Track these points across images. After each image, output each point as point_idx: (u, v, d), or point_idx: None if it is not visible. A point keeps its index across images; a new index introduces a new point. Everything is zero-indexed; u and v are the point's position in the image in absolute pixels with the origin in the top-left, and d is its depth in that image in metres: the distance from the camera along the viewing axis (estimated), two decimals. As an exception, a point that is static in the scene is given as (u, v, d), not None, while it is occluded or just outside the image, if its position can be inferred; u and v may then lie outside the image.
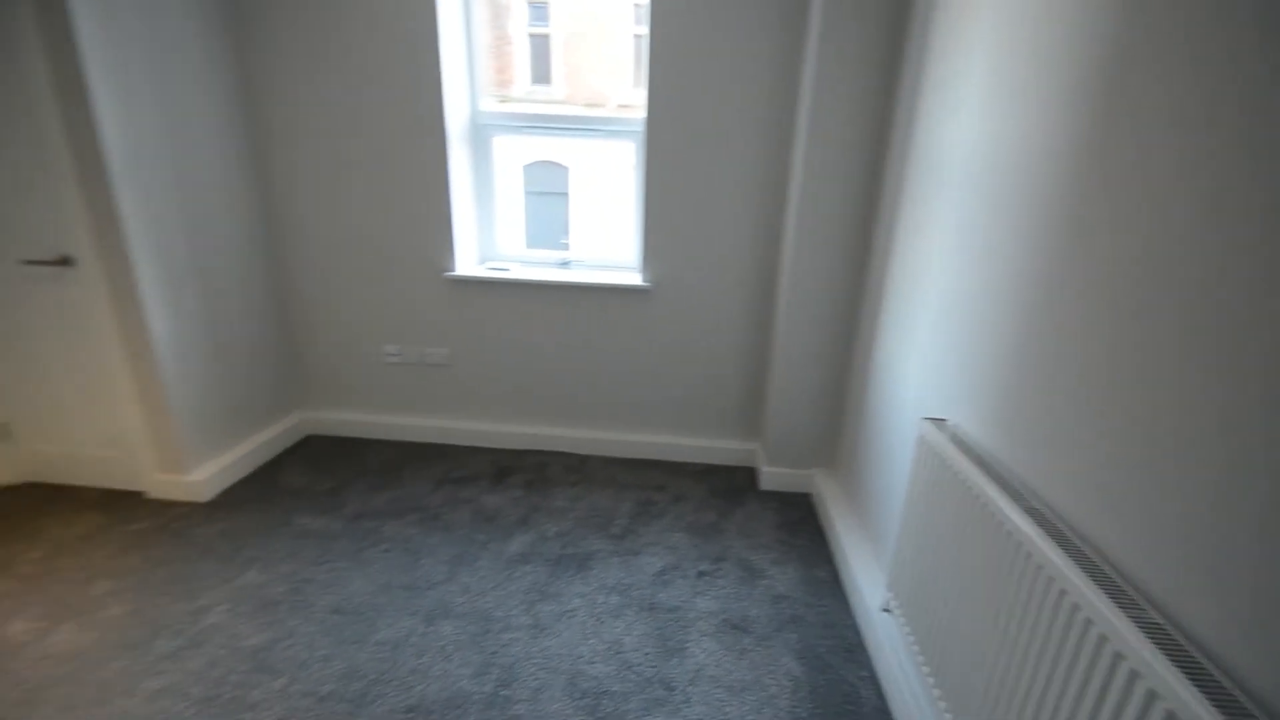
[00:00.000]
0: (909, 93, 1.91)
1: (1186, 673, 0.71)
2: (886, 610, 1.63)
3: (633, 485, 2.65)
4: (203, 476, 2.39)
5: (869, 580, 1.91)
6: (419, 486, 2.56)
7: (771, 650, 1.78)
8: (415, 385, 2.90)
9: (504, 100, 2.68)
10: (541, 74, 7.82)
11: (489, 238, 2.84)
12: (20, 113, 1.96)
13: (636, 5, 2.52)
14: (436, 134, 2.48)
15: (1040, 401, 1.15)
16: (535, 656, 1.72)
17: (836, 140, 2.15)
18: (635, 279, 2.66)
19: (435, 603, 1.91)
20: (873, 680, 1.69)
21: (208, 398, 2.43)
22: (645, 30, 2.33)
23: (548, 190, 7.78)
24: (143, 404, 2.27)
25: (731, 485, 2.68)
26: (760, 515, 2.46)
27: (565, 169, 7.92)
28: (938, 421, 1.47)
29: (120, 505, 2.34)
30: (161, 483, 2.38)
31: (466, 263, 2.74)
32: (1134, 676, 0.76)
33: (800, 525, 2.41)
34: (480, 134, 2.68)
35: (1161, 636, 0.78)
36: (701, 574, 2.10)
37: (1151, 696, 0.73)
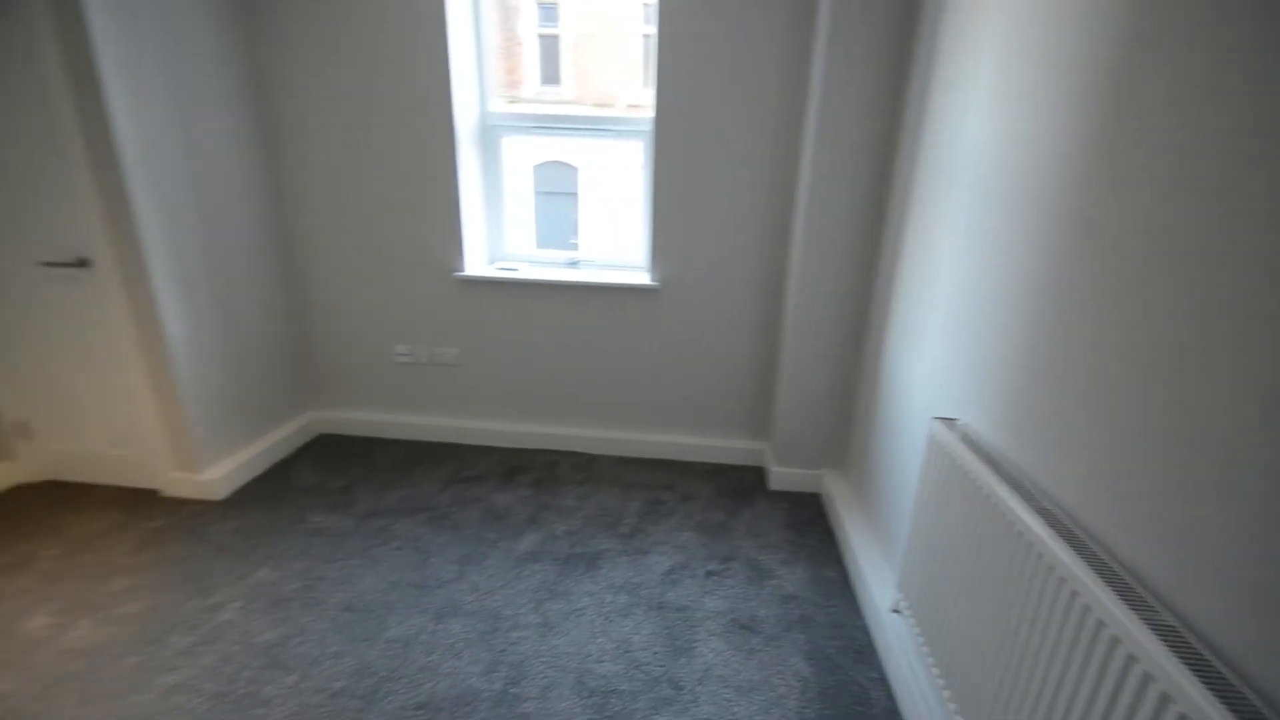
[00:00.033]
0: (918, 94, 1.90)
1: (1201, 676, 0.70)
2: (896, 611, 1.62)
3: (641, 484, 2.65)
4: (217, 475, 2.42)
5: (879, 581, 1.90)
6: (429, 485, 2.58)
7: (780, 650, 1.77)
8: (425, 385, 2.92)
9: (514, 101, 2.69)
10: (551, 75, 7.84)
11: (498, 238, 2.85)
12: (37, 114, 1.99)
13: (645, 5, 2.52)
14: (446, 135, 2.49)
15: (1050, 402, 1.14)
16: (544, 655, 1.73)
17: (845, 142, 2.14)
18: (644, 279, 2.66)
19: (445, 601, 1.92)
20: (882, 681, 1.68)
21: (222, 397, 2.46)
22: (654, 30, 2.33)
23: (557, 190, 7.80)
24: (158, 404, 2.30)
25: (740, 485, 2.67)
26: (769, 515, 2.45)
27: (574, 169, 7.94)
28: (948, 421, 1.46)
29: (137, 503, 2.37)
30: (177, 481, 2.41)
31: (476, 263, 2.75)
32: (1147, 679, 0.76)
33: (809, 525, 2.40)
34: (489, 135, 2.69)
35: (1175, 639, 0.77)
36: (710, 573, 2.09)
37: (1164, 700, 0.72)
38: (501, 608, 1.90)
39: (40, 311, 2.25)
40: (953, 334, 1.56)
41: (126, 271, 2.13)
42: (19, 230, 2.14)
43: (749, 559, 2.18)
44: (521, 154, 2.96)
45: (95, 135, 1.97)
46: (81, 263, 2.14)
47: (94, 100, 1.93)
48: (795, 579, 2.08)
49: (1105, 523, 0.97)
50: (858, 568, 2.02)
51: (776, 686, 1.65)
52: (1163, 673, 0.73)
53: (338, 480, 2.60)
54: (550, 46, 7.79)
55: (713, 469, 2.80)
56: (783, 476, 2.63)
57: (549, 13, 7.75)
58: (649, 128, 2.53)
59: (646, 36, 2.37)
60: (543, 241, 3.06)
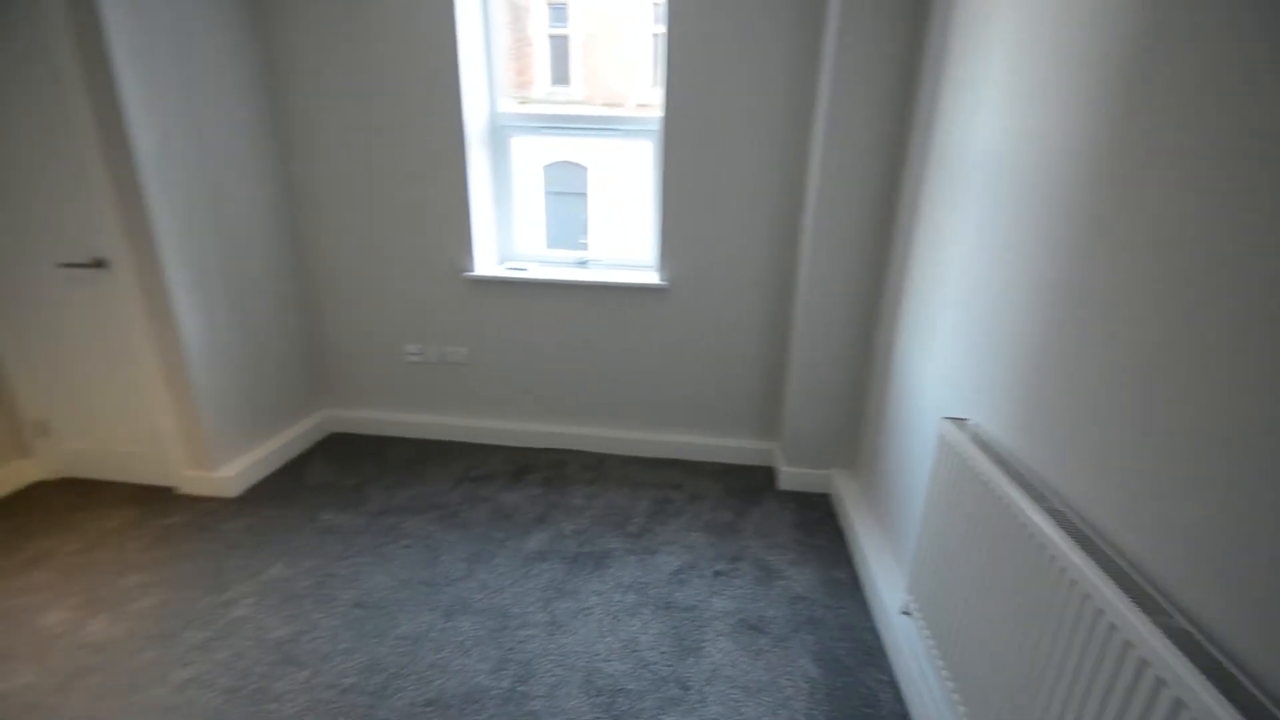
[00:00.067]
0: (929, 94, 1.88)
1: (1215, 681, 0.69)
2: (906, 613, 1.60)
3: (650, 484, 2.65)
4: (231, 473, 2.45)
5: (888, 582, 1.88)
6: (439, 484, 2.60)
7: (788, 651, 1.77)
8: (435, 384, 2.94)
9: (524, 102, 2.70)
10: (561, 75, 7.86)
11: (508, 238, 2.86)
12: (53, 111, 2.02)
13: (655, 4, 2.52)
14: (456, 136, 2.51)
15: (1061, 402, 1.12)
16: (552, 653, 1.73)
17: (854, 143, 2.13)
18: (653, 278, 2.66)
19: (454, 599, 1.93)
20: (891, 684, 1.67)
21: (236, 396, 2.49)
22: (663, 29, 2.33)
23: (567, 190, 7.82)
24: (174, 402, 2.34)
25: (749, 485, 2.66)
26: (778, 515, 2.44)
27: (584, 169, 7.95)
28: (958, 421, 1.45)
29: (153, 500, 2.41)
30: (191, 479, 2.44)
31: (486, 263, 2.76)
32: (1160, 684, 0.74)
33: (819, 525, 2.38)
34: (499, 135, 2.71)
35: (1189, 644, 0.76)
36: (718, 573, 2.09)
37: (1178, 705, 0.71)
38: (510, 606, 1.91)
39: (59, 313, 2.29)
40: (963, 333, 1.54)
41: (142, 272, 2.16)
42: (38, 233, 2.18)
43: (757, 559, 2.17)
44: (531, 154, 2.98)
45: (110, 128, 1.99)
46: (98, 264, 2.18)
47: (108, 92, 1.95)
48: (804, 580, 2.07)
49: (1115, 522, 0.96)
50: (867, 569, 2.01)
51: (784, 688, 1.65)
52: (1176, 678, 0.72)
53: (349, 478, 2.62)
54: (560, 47, 7.81)
55: (721, 469, 2.79)
56: (792, 476, 2.62)
57: (559, 13, 7.77)
58: (658, 127, 2.53)
59: (656, 36, 2.36)
60: (553, 241, 3.07)
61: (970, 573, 1.26)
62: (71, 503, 2.38)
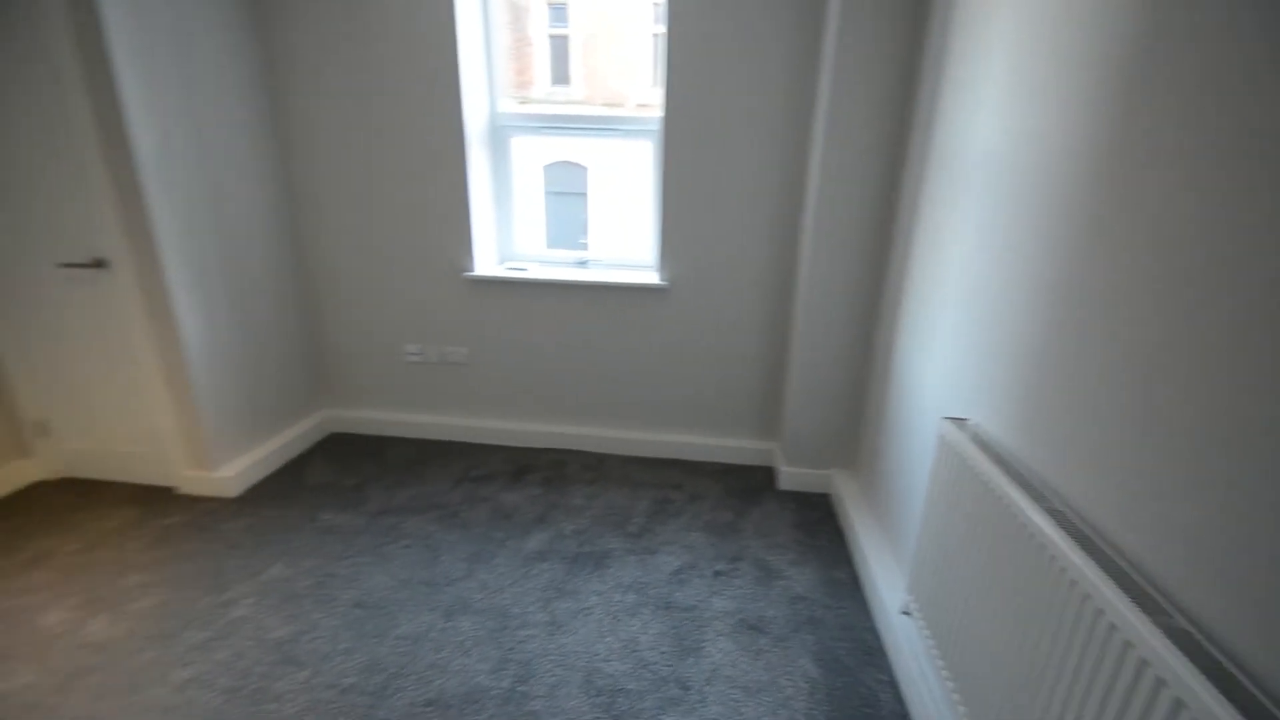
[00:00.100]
0: (929, 94, 1.88)
1: (1215, 682, 0.69)
2: (906, 613, 1.60)
3: (649, 484, 2.65)
4: (231, 473, 2.45)
5: (888, 582, 1.88)
6: (439, 484, 2.60)
7: (788, 651, 1.77)
8: (435, 384, 2.94)
9: (524, 102, 2.70)
10: (561, 75, 7.86)
11: (508, 238, 2.86)
12: (53, 110, 2.02)
13: (655, 4, 2.52)
14: (456, 136, 2.51)
15: (1061, 401, 1.12)
16: (552, 653, 1.73)
17: (854, 143, 2.13)
18: (653, 278, 2.66)
19: (454, 599, 1.93)
20: (891, 684, 1.67)
21: (236, 396, 2.49)
22: (663, 29, 2.33)
23: (567, 190, 7.82)
24: (174, 402, 2.34)
25: (749, 485, 2.66)
26: (778, 515, 2.44)
27: (584, 169, 7.95)
28: (958, 421, 1.45)
29: (153, 500, 2.41)
30: (191, 479, 2.44)
31: (485, 263, 2.76)
32: (1160, 685, 0.74)
33: (819, 525, 2.38)
34: (499, 135, 2.71)
35: (1189, 644, 0.76)
36: (718, 573, 2.09)
37: (1178, 705, 0.71)
38: (510, 606, 1.91)
39: (59, 313, 2.29)
40: (963, 333, 1.54)
41: (142, 272, 2.16)
42: (38, 233, 2.18)
43: (757, 559, 2.17)
44: (531, 154, 2.98)
45: (110, 128, 1.99)
46: (98, 264, 2.18)
47: (108, 92, 1.95)
48: (804, 579, 2.07)
49: (1115, 522, 0.96)
50: (867, 569, 2.01)
51: (784, 688, 1.65)
52: (1176, 678, 0.72)
53: (349, 478, 2.62)
54: (560, 47, 7.81)
55: (721, 469, 2.79)
56: (792, 476, 2.62)
57: (559, 13, 7.77)
58: (658, 127, 2.53)
59: (656, 36, 2.36)
60: (553, 241, 3.07)
61: (970, 573, 1.26)
62: (71, 503, 2.38)
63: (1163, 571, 0.87)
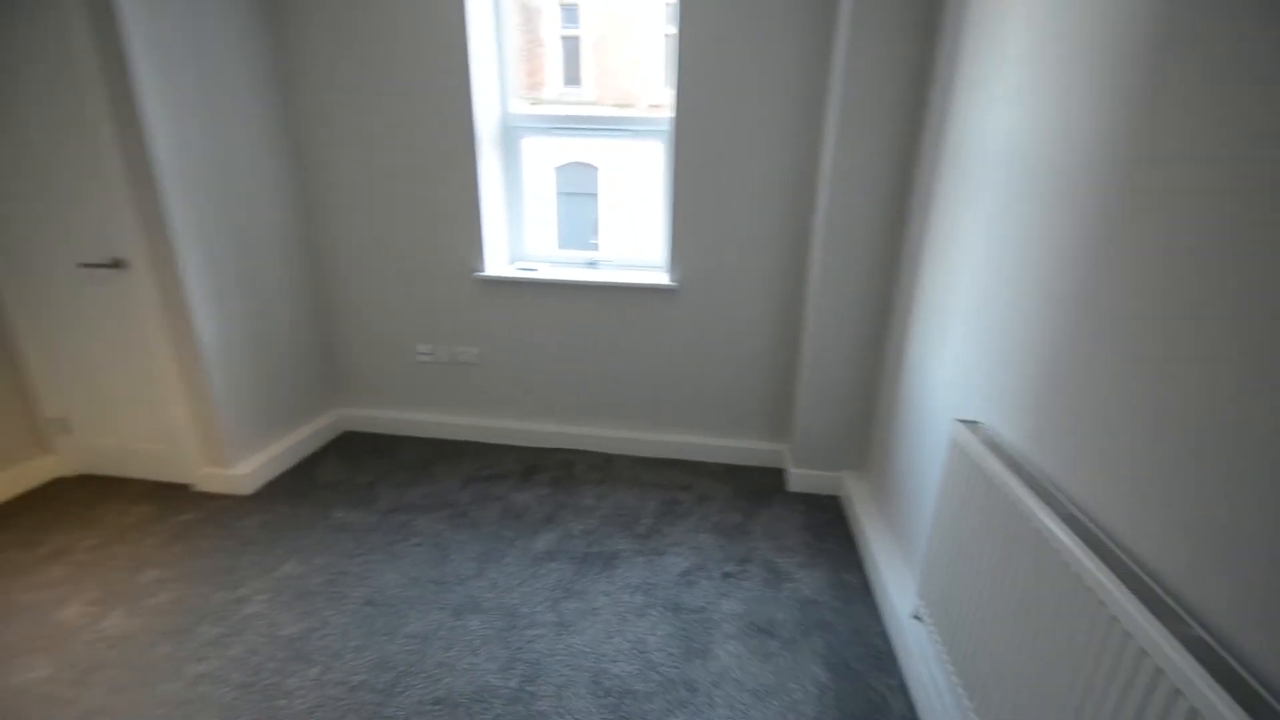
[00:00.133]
0: (941, 95, 1.86)
1: (1232, 692, 0.68)
2: (917, 617, 1.59)
3: (658, 485, 2.65)
4: (245, 471, 2.48)
5: (899, 586, 1.87)
6: (449, 483, 2.61)
7: (797, 655, 1.76)
8: (446, 384, 2.95)
9: (535, 102, 2.71)
10: (572, 76, 7.87)
11: (518, 238, 2.87)
12: (72, 107, 2.05)
13: (667, 4, 2.51)
14: (467, 136, 2.52)
15: (1072, 405, 1.11)
16: (559, 653, 1.74)
17: (866, 144, 2.12)
18: (663, 279, 2.65)
19: (463, 597, 1.94)
20: (902, 689, 1.65)
21: (250, 395, 2.52)
22: (674, 30, 2.32)
23: (578, 191, 7.83)
24: (190, 401, 2.37)
25: (758, 486, 2.65)
26: (787, 517, 2.43)
27: (595, 169, 7.96)
28: (970, 424, 1.43)
29: (169, 497, 2.44)
30: (207, 476, 2.48)
31: (496, 263, 2.78)
32: (1175, 695, 0.73)
33: (828, 528, 2.37)
34: (510, 136, 2.72)
35: (1206, 653, 0.74)
36: (726, 575, 2.08)
37: (1193, 715, 0.70)
38: (519, 605, 1.91)
39: (79, 312, 2.33)
40: (975, 335, 1.53)
41: (159, 271, 2.19)
42: (59, 234, 2.22)
43: (766, 561, 2.16)
44: (542, 155, 2.98)
45: (126, 124, 2.01)
46: (117, 263, 2.22)
47: (124, 86, 1.97)
48: (813, 582, 2.06)
49: (1127, 526, 0.95)
50: (877, 572, 1.99)
51: (793, 692, 1.64)
52: (1191, 687, 0.71)
53: (361, 477, 2.64)
54: (572, 48, 7.83)
55: (730, 470, 2.78)
56: (801, 478, 2.60)
57: (571, 14, 7.79)
58: (669, 128, 2.53)
59: (667, 37, 2.36)
60: (563, 242, 3.08)
61: (981, 577, 1.25)
62: (90, 499, 2.42)
63: (1176, 577, 0.85)
